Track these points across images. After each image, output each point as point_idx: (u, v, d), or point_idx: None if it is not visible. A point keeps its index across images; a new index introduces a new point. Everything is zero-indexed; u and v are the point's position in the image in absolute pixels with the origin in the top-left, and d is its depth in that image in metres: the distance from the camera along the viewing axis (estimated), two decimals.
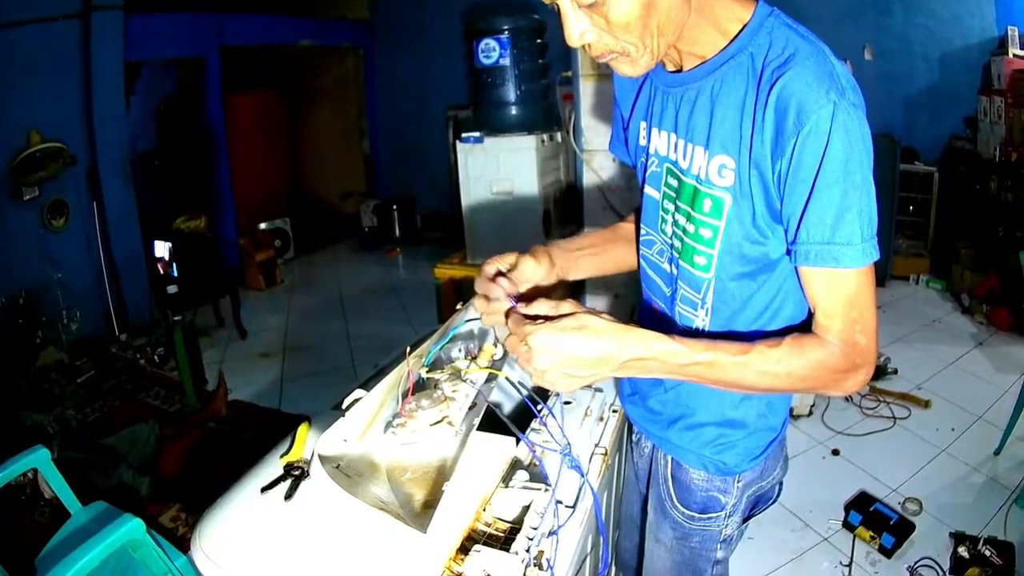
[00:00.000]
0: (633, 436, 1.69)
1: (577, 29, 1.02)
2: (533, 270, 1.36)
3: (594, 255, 1.54)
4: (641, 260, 1.44)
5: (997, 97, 5.44)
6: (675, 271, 1.29)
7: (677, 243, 1.25)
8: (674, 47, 1.12)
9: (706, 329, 1.26)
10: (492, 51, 3.82)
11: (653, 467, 1.53)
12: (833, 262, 1.01)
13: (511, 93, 3.93)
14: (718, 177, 1.12)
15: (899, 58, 6.13)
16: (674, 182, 1.24)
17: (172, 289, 5.31)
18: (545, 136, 3.93)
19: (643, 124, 1.33)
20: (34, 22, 4.73)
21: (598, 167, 3.72)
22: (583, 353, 1.02)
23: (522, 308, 1.14)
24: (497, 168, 3.87)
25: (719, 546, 1.45)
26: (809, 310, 1.11)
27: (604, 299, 3.89)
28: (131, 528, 1.80)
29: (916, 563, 2.72)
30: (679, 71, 1.18)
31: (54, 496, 2.38)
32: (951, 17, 5.87)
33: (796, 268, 1.09)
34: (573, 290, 4.08)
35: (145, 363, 5.02)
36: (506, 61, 3.84)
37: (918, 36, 6.03)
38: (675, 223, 1.25)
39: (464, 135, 3.97)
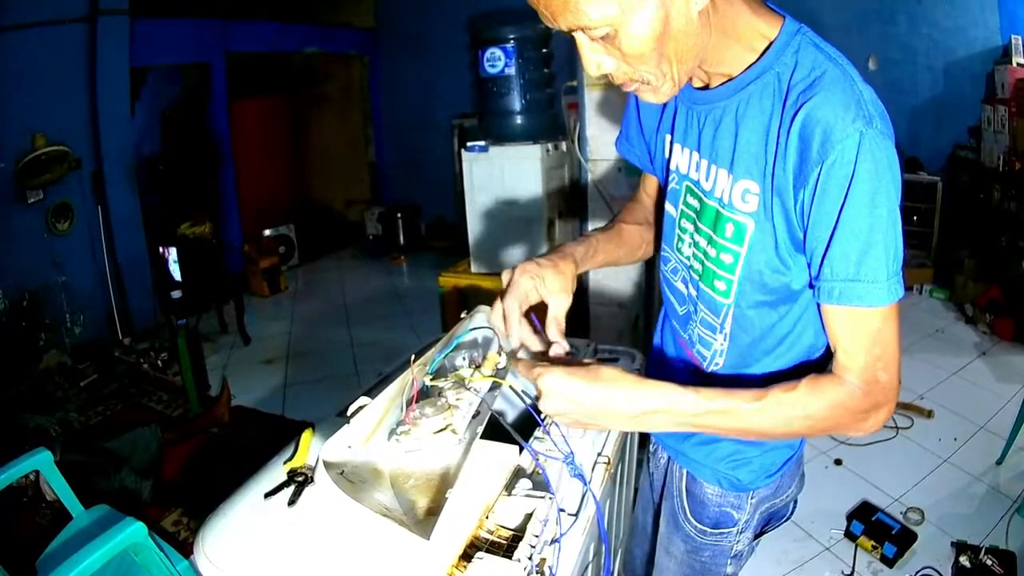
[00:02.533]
0: (650, 446, 1.69)
1: (594, 60, 1.00)
2: (564, 305, 1.31)
3: (603, 260, 1.50)
4: (660, 276, 1.44)
5: (1001, 106, 5.44)
6: (693, 292, 1.28)
7: (697, 265, 1.23)
8: (699, 67, 1.09)
9: (724, 351, 1.26)
10: (497, 60, 3.82)
11: (668, 479, 1.53)
12: (858, 300, 0.98)
13: (516, 102, 3.93)
14: (741, 202, 1.10)
15: (903, 68, 6.14)
16: (694, 202, 1.23)
17: (176, 294, 5.31)
18: (550, 145, 3.92)
19: (668, 137, 1.31)
20: (40, 25, 4.76)
21: (603, 176, 3.72)
22: (590, 402, 1.01)
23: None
24: (502, 177, 3.87)
25: (729, 561, 1.44)
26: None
27: (607, 309, 3.89)
28: (133, 532, 1.81)
29: (918, 572, 2.72)
30: (705, 87, 1.15)
31: (56, 498, 2.39)
32: (955, 27, 5.87)
33: (818, 305, 1.05)
34: (576, 300, 4.08)
35: (148, 367, 5.03)
36: (511, 70, 3.83)
37: (922, 46, 6.04)
38: (695, 244, 1.23)
39: (469, 144, 3.97)
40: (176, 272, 5.38)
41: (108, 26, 5.15)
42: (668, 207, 1.32)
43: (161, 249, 5.45)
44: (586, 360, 1.08)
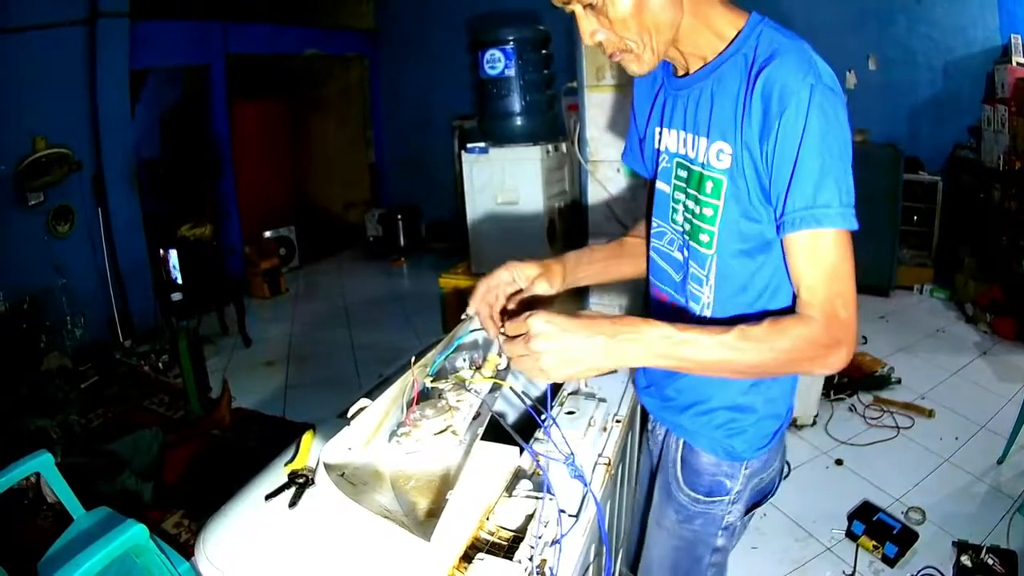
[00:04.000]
0: (648, 425, 1.73)
1: (588, 28, 1.18)
2: (544, 290, 1.48)
3: (603, 269, 1.65)
4: (652, 253, 1.51)
5: (1001, 106, 5.43)
6: (686, 254, 1.37)
7: (688, 227, 1.34)
8: (677, 50, 1.26)
9: (710, 303, 1.34)
10: (497, 62, 3.82)
11: (664, 452, 1.57)
12: (815, 223, 1.09)
13: (516, 104, 3.94)
14: (717, 161, 1.23)
15: (903, 68, 6.14)
16: (684, 173, 1.34)
17: (177, 296, 5.31)
18: (550, 147, 3.92)
19: (658, 129, 1.44)
20: (41, 28, 4.76)
21: (603, 178, 3.72)
22: (578, 331, 1.10)
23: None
24: (502, 178, 3.87)
25: (720, 532, 1.49)
26: None
27: (608, 308, 3.89)
28: (134, 534, 1.81)
29: (919, 572, 2.72)
30: (687, 75, 1.31)
31: (57, 501, 2.38)
32: (954, 26, 5.87)
33: (783, 245, 1.16)
34: (576, 298, 4.09)
35: (149, 370, 5.04)
36: (511, 72, 3.83)
37: (921, 46, 6.03)
38: (686, 209, 1.34)
39: (469, 145, 3.97)
40: (177, 274, 5.38)
41: (108, 28, 5.15)
42: (661, 185, 1.43)
43: (161, 251, 5.45)
44: None
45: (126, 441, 3.38)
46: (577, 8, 1.17)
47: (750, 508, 1.52)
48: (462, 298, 3.98)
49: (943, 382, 4.31)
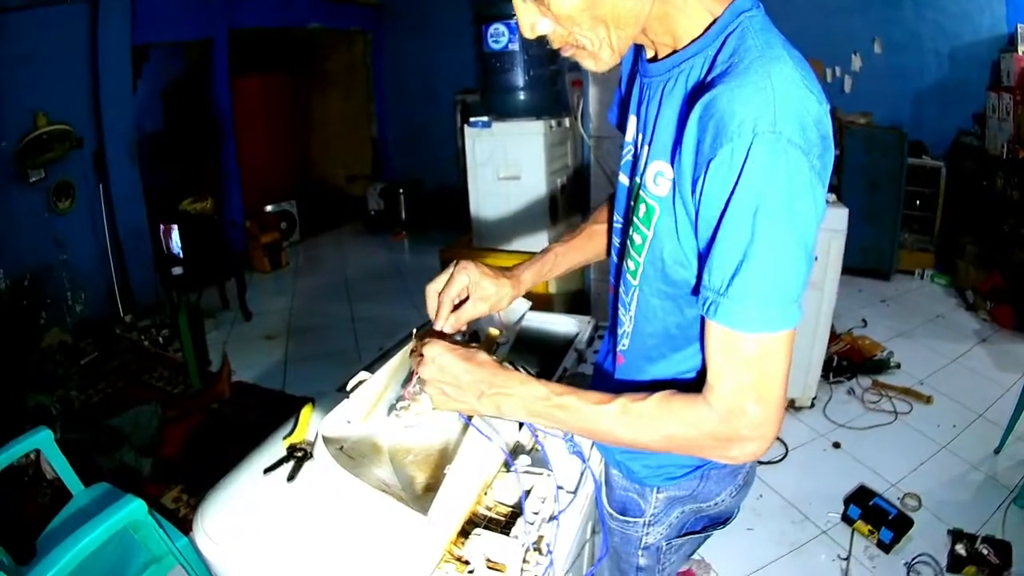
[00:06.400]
0: None
1: (528, 22, 0.96)
2: (478, 312, 1.35)
3: (565, 270, 1.52)
4: (611, 247, 1.35)
5: (1006, 94, 5.40)
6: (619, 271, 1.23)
7: (625, 239, 1.18)
8: (644, 35, 1.03)
9: (629, 335, 1.21)
10: (501, 36, 3.79)
11: None
12: (721, 319, 0.90)
13: (519, 78, 3.91)
14: (653, 184, 1.03)
15: (909, 52, 6.10)
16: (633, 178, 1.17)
17: (177, 270, 5.31)
18: (553, 122, 3.91)
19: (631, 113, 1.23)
20: (42, 4, 4.72)
21: (605, 153, 3.71)
22: (459, 375, 1.07)
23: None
24: (504, 153, 3.86)
25: (640, 552, 1.36)
26: None
27: (608, 287, 3.90)
28: (133, 509, 1.82)
29: (914, 559, 2.72)
30: (655, 59, 1.07)
31: (56, 477, 2.40)
32: (961, 13, 5.83)
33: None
34: (576, 280, 4.08)
35: (149, 344, 5.04)
36: (515, 46, 3.81)
37: (928, 30, 5.99)
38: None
39: (472, 120, 3.96)
40: (178, 248, 5.37)
41: (109, 3, 5.09)
42: (623, 177, 1.24)
43: (163, 226, 5.43)
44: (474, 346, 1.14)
45: (126, 416, 3.38)
46: None
47: (690, 533, 1.38)
48: None
49: (942, 368, 4.32)
